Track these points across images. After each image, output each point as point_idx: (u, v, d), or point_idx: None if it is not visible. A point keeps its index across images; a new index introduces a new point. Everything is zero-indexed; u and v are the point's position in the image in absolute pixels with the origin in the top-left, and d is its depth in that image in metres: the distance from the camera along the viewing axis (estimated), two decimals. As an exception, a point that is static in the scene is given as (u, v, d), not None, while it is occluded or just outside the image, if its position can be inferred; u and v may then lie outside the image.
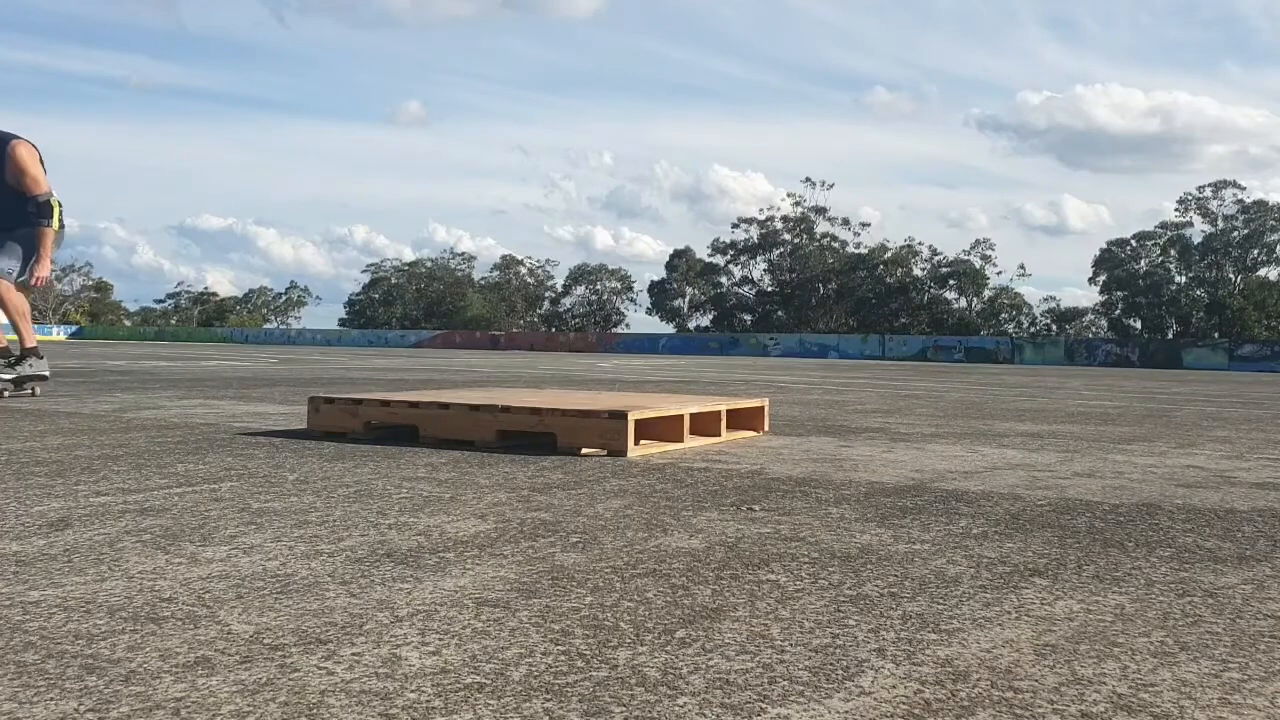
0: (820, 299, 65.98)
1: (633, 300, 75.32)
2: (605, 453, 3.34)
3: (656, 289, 71.82)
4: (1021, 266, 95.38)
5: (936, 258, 65.76)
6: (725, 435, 3.95)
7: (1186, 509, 2.48)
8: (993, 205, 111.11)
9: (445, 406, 3.64)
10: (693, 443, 3.71)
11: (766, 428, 4.29)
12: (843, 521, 2.21)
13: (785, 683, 1.17)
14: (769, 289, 68.81)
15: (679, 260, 70.95)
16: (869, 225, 70.16)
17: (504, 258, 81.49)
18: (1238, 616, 1.49)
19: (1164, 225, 63.51)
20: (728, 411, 4.00)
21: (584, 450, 3.35)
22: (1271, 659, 1.30)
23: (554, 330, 67.10)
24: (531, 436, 3.51)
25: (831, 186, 69.31)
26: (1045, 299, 67.89)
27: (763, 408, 4.29)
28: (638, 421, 3.40)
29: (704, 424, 3.90)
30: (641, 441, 3.45)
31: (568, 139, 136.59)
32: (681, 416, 3.66)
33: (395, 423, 3.73)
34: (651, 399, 4.27)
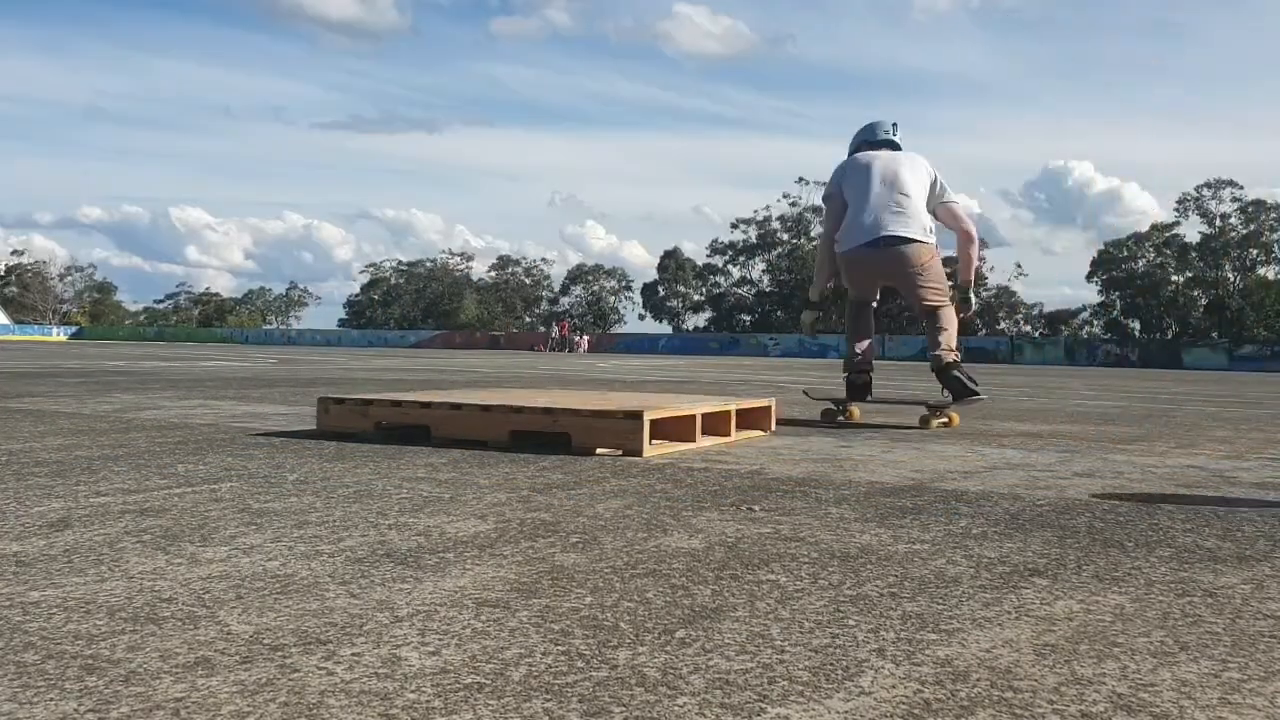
0: (833, 296, 65.97)
1: (631, 300, 75.36)
2: (621, 452, 3.34)
3: (649, 291, 71.81)
4: (1018, 265, 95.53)
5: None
6: (734, 435, 3.95)
7: (1186, 509, 2.48)
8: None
9: (457, 407, 3.64)
10: (704, 442, 3.72)
11: (773, 427, 4.30)
12: (843, 521, 2.21)
13: (785, 683, 1.17)
14: (768, 289, 68.83)
15: (669, 260, 70.94)
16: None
17: (500, 258, 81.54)
18: (1238, 616, 1.49)
19: (1162, 225, 63.53)
20: (736, 411, 4.01)
21: (599, 450, 3.35)
22: (1271, 659, 1.30)
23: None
24: (545, 437, 3.50)
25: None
26: (1033, 304, 67.96)
27: (769, 407, 4.30)
28: (650, 421, 3.40)
29: (714, 424, 3.90)
30: (654, 441, 3.45)
31: (563, 139, 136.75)
32: (694, 416, 3.67)
33: (407, 423, 3.73)
34: (662, 399, 4.27)
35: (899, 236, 4.85)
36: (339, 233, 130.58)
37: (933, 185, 5.02)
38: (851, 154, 5.23)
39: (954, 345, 4.91)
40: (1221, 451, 3.94)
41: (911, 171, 4.98)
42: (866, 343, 5.20)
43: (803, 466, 3.18)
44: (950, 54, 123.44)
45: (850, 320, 5.26)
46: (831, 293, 5.49)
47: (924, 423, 4.80)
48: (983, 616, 1.46)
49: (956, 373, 4.84)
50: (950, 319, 4.95)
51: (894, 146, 5.17)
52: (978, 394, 4.86)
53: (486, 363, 17.92)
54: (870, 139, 5.22)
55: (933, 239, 4.95)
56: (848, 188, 5.04)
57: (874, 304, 5.25)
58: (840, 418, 5.08)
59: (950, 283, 5.08)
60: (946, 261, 5.29)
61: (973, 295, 5.17)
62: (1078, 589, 1.64)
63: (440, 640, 1.30)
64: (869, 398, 5.20)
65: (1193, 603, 1.57)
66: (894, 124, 5.24)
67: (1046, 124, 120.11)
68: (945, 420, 4.86)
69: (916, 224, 4.88)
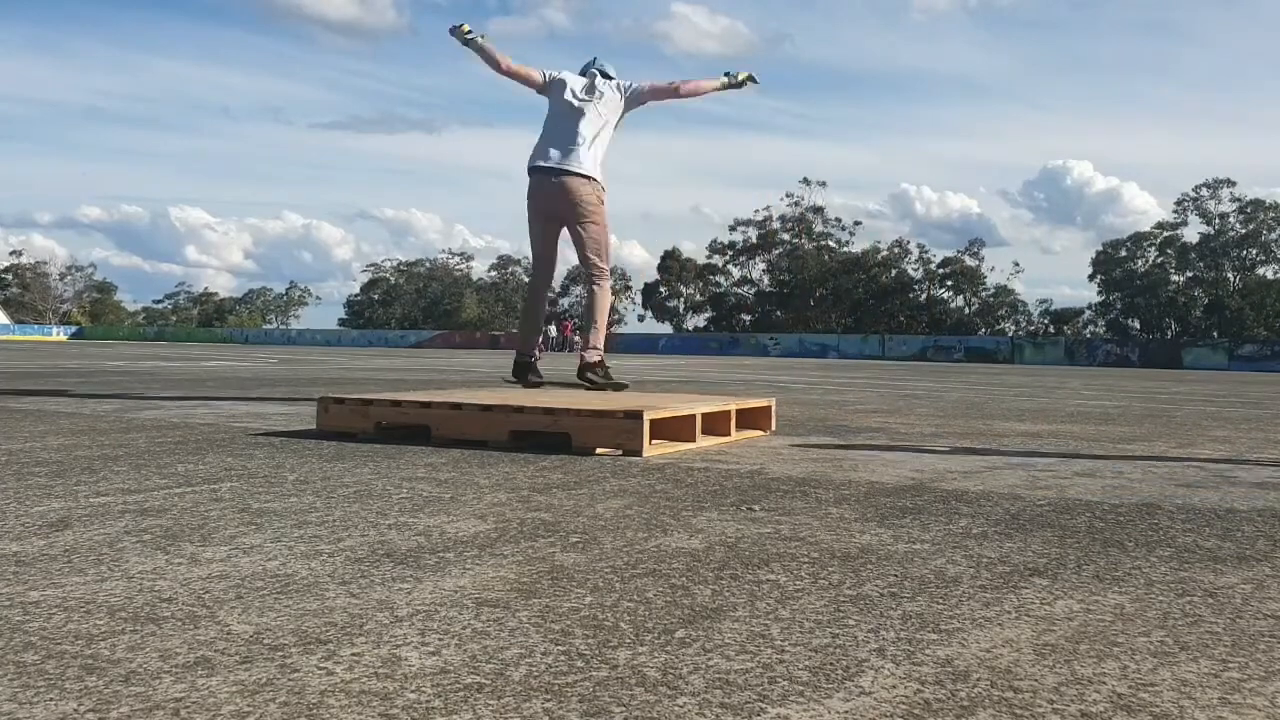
0: (818, 300, 66.08)
1: (631, 300, 75.33)
2: (620, 452, 3.34)
3: (649, 291, 71.74)
4: (1015, 264, 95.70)
5: (925, 254, 66.10)
6: (734, 435, 3.95)
7: (1186, 509, 2.48)
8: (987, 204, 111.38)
9: (458, 407, 3.63)
10: (704, 442, 3.72)
11: (774, 426, 4.30)
12: (843, 521, 2.21)
13: (785, 683, 1.17)
14: (768, 289, 68.80)
15: (670, 260, 70.90)
16: (860, 224, 70.43)
17: (500, 258, 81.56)
18: (1238, 616, 1.49)
19: (1161, 225, 63.55)
20: (736, 411, 4.01)
21: (599, 450, 3.35)
22: (1271, 659, 1.30)
23: (553, 331, 66.98)
24: (545, 437, 3.50)
25: (824, 184, 69.40)
26: (1041, 300, 68.02)
27: (769, 407, 4.30)
28: (650, 421, 3.39)
29: (713, 423, 3.90)
30: (653, 441, 3.45)
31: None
32: (694, 416, 3.67)
33: (407, 423, 3.72)
34: (662, 399, 4.27)
35: (568, 170, 5.19)
36: (338, 232, 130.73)
37: (626, 99, 5.36)
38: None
39: (601, 346, 5.25)
40: (1221, 451, 3.94)
41: (604, 104, 5.28)
42: (538, 336, 5.68)
43: (803, 466, 3.18)
44: (949, 54, 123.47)
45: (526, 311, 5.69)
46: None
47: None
48: (983, 616, 1.46)
49: (591, 375, 5.14)
50: (604, 309, 5.34)
51: (606, 76, 5.47)
52: (619, 384, 5.20)
53: (487, 363, 17.91)
54: (589, 66, 5.54)
55: (601, 180, 5.27)
56: (553, 100, 5.36)
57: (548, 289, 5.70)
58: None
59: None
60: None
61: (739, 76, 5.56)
62: (1078, 589, 1.64)
63: (440, 640, 1.30)
64: (534, 378, 5.46)
65: (1193, 603, 1.57)
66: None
67: (1045, 123, 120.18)
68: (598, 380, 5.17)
69: (589, 160, 5.19)
